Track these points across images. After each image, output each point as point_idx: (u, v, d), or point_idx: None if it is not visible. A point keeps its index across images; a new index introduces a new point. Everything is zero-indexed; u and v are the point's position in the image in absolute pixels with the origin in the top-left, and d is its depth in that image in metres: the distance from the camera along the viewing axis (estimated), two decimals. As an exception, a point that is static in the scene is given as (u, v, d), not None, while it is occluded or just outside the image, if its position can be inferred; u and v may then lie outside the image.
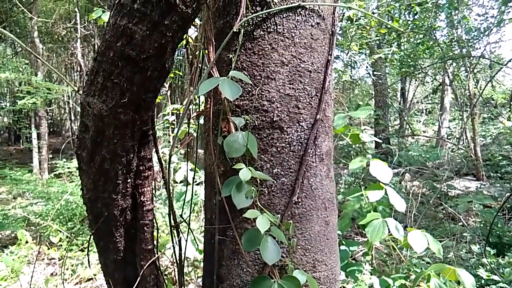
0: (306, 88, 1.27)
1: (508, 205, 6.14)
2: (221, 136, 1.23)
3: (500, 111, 14.36)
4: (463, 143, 8.96)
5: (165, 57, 1.02)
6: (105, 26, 1.00)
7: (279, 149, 1.24)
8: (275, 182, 1.23)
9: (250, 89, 1.24)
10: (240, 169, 1.15)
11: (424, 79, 12.47)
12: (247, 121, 1.22)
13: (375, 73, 9.73)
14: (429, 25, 8.50)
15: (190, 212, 1.54)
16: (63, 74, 14.33)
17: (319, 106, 1.29)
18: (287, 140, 1.25)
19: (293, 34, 1.25)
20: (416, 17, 9.47)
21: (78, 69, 12.20)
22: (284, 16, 1.24)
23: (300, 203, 1.26)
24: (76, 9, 8.76)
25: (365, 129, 2.33)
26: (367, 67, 10.96)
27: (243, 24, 1.23)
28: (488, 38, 7.56)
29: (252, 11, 1.24)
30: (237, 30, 1.23)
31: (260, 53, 1.24)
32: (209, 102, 1.30)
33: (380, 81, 9.98)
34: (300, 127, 1.26)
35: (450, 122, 15.16)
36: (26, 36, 12.48)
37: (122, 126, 1.06)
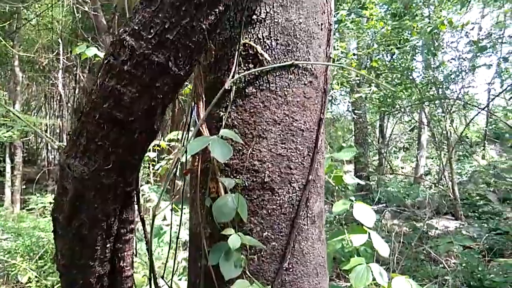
0: (298, 148, 1.23)
1: (487, 246, 6.18)
2: (209, 197, 1.17)
3: (475, 149, 14.79)
4: (442, 182, 9.10)
5: (154, 118, 0.97)
6: (92, 86, 0.94)
7: (269, 211, 1.18)
8: (265, 247, 1.17)
9: (240, 148, 1.19)
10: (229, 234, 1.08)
11: (402, 118, 12.78)
12: (237, 183, 1.17)
13: (355, 111, 9.92)
14: (407, 66, 8.81)
15: (173, 275, 1.45)
16: (43, 103, 14.08)
17: (311, 166, 1.25)
18: (278, 202, 1.19)
19: (286, 93, 1.22)
20: (394, 57, 9.83)
21: (58, 99, 12.00)
22: (277, 74, 1.22)
23: (291, 269, 1.19)
24: (59, 40, 8.69)
25: (348, 171, 2.32)
26: (348, 105, 11.19)
27: (235, 81, 1.20)
28: (463, 80, 7.85)
29: (245, 68, 1.21)
30: (229, 87, 1.20)
31: (252, 110, 1.21)
32: (197, 160, 1.25)
33: (360, 119, 10.17)
34: (292, 188, 1.21)
35: (428, 159, 15.47)
36: (6, 63, 12.29)
37: (104, 190, 0.99)
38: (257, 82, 1.21)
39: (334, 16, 7.80)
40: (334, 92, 9.35)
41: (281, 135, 1.21)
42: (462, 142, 13.16)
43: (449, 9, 7.83)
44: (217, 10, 0.92)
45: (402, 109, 9.67)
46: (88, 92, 0.91)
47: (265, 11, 1.22)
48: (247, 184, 1.18)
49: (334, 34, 9.16)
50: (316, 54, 1.29)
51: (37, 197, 6.31)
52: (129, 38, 0.88)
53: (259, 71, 1.20)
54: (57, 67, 9.81)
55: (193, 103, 1.27)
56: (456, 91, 8.59)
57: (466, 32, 6.61)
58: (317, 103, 1.29)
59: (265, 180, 1.18)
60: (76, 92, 12.45)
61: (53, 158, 14.80)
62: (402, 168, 17.76)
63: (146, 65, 0.89)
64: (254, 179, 1.18)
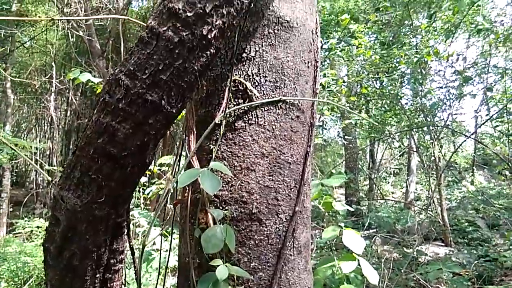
0: (285, 180, 1.28)
1: (477, 273, 6.19)
2: (199, 228, 1.20)
3: (464, 175, 14.97)
4: (431, 207, 9.17)
5: (146, 153, 1.01)
6: (86, 122, 0.99)
7: (257, 242, 1.22)
8: (252, 277, 1.19)
9: (230, 179, 1.24)
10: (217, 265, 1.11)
11: (392, 144, 12.95)
12: (226, 215, 1.20)
13: (346, 137, 10.06)
14: (396, 93, 9.01)
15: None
16: (33, 125, 14.03)
17: (297, 198, 1.29)
18: (265, 232, 1.23)
19: (274, 127, 1.28)
20: (383, 84, 10.05)
21: (49, 121, 11.97)
22: (266, 109, 1.27)
23: (278, 300, 1.21)
24: (53, 63, 8.76)
25: (338, 199, 2.38)
26: (338, 130, 11.34)
27: (225, 115, 1.25)
28: (451, 108, 8.04)
29: (235, 103, 1.27)
30: (219, 121, 1.25)
31: (241, 144, 1.25)
32: (187, 191, 1.29)
33: (350, 144, 10.30)
34: (279, 219, 1.25)
35: (417, 184, 15.59)
36: (-2, 85, 12.29)
37: (96, 222, 1.01)
38: (246, 116, 1.26)
39: (325, 44, 7.98)
40: (325, 118, 9.48)
41: (269, 168, 1.25)
42: (451, 168, 13.32)
43: (435, 39, 8.09)
44: (209, 52, 0.98)
45: (392, 136, 9.81)
46: (83, 128, 0.96)
47: (254, 50, 1.28)
48: (235, 215, 1.22)
49: (325, 61, 9.39)
50: (303, 90, 1.35)
51: (25, 221, 6.22)
52: (124, 77, 0.94)
53: (248, 106, 1.26)
54: (50, 90, 9.85)
55: (184, 136, 1.31)
56: (444, 118, 8.79)
57: (452, 62, 6.82)
58: (304, 136, 1.35)
59: (253, 211, 1.22)
60: (68, 114, 12.44)
61: (41, 180, 14.62)
62: (392, 193, 17.85)
63: (140, 103, 0.93)
64: (242, 210, 1.22)
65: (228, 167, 1.23)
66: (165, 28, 0.93)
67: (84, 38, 8.31)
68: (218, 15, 0.95)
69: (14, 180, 16.27)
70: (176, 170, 1.42)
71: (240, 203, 1.22)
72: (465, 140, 7.69)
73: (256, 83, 1.28)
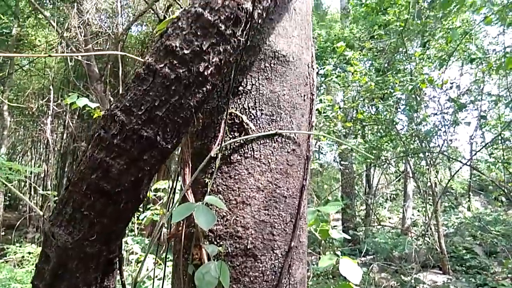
0: (281, 214, 1.26)
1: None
2: (192, 265, 1.18)
3: (460, 200, 14.93)
4: (428, 233, 9.09)
5: (140, 189, 1.00)
6: (80, 157, 0.98)
7: (252, 278, 1.19)
8: (247, 316, 1.16)
9: (225, 214, 1.22)
10: (211, 303, 1.08)
11: (388, 169, 12.96)
12: (220, 251, 1.18)
13: (342, 162, 10.07)
14: (391, 119, 9.08)
15: None
16: (29, 147, 13.97)
17: (293, 233, 1.27)
18: (260, 269, 1.20)
19: (270, 160, 1.27)
20: (378, 109, 10.14)
21: (45, 144, 11.93)
22: (262, 142, 1.27)
23: None
24: (50, 87, 8.81)
25: (334, 224, 2.35)
26: (334, 156, 11.37)
27: (221, 148, 1.25)
28: (446, 134, 8.09)
29: (231, 136, 1.27)
30: (215, 155, 1.24)
31: (236, 177, 1.24)
32: (181, 224, 1.26)
33: (347, 170, 10.30)
34: (274, 255, 1.23)
35: (414, 210, 15.51)
36: (-6, 107, 12.28)
37: (87, 259, 0.99)
38: (242, 149, 1.26)
39: (321, 70, 8.07)
40: (321, 143, 9.51)
41: (265, 202, 1.24)
42: (447, 194, 13.30)
43: (429, 67, 8.22)
44: (205, 89, 0.98)
45: (387, 161, 9.83)
46: (76, 163, 0.95)
47: (251, 83, 1.29)
48: (230, 251, 1.19)
49: (321, 86, 9.50)
50: (299, 123, 1.35)
51: (16, 246, 6.10)
52: (120, 113, 0.93)
53: (244, 140, 1.26)
54: (47, 113, 9.86)
55: (179, 168, 1.30)
56: (439, 144, 8.85)
57: (446, 89, 6.92)
58: (300, 170, 1.34)
59: (248, 247, 1.20)
60: (64, 137, 12.41)
61: (35, 203, 14.43)
62: (389, 218, 17.72)
63: (135, 139, 0.93)
64: (237, 246, 1.20)
65: (223, 201, 1.22)
66: (162, 65, 0.93)
67: (83, 62, 8.38)
68: (215, 53, 0.96)
69: (7, 203, 16.06)
70: (171, 204, 1.40)
71: (235, 238, 1.20)
72: (461, 167, 7.71)
73: (252, 116, 1.28)
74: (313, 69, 1.48)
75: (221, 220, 1.22)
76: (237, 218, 1.21)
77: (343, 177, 10.67)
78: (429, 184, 8.72)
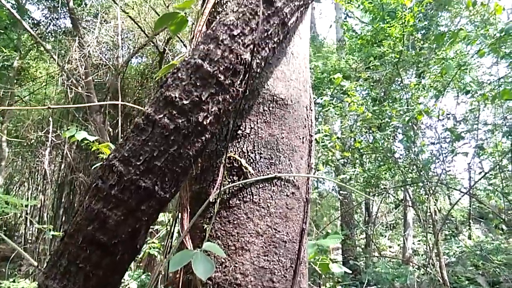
0: (281, 260, 1.24)
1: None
2: (190, 315, 1.14)
3: (461, 228, 14.76)
4: (429, 265, 8.94)
5: (138, 239, 0.98)
6: (76, 208, 0.96)
7: (252, 328, 1.15)
8: None
9: (223, 260, 1.19)
10: None
11: (387, 198, 12.90)
12: (219, 300, 1.15)
13: (340, 191, 10.02)
14: (389, 148, 9.11)
15: None
16: (26, 178, 13.89)
17: (294, 279, 1.24)
18: (260, 318, 1.17)
19: (269, 204, 1.26)
20: (376, 138, 10.18)
21: (43, 174, 11.86)
22: (261, 186, 1.26)
23: None
24: (50, 118, 8.86)
25: (335, 258, 2.31)
26: (333, 185, 11.33)
27: (219, 193, 1.24)
28: (444, 163, 8.09)
29: (229, 180, 1.26)
30: (213, 200, 1.23)
31: (235, 222, 1.23)
32: (178, 271, 1.24)
33: (345, 200, 10.24)
34: (275, 303, 1.19)
35: (415, 238, 15.31)
36: (-7, 138, 12.29)
37: (81, 313, 0.96)
38: (241, 194, 1.25)
39: (318, 99, 8.14)
40: (319, 172, 9.48)
41: (264, 247, 1.22)
42: (448, 222, 13.16)
43: (425, 96, 8.33)
44: (204, 138, 0.98)
45: (386, 191, 9.79)
46: (73, 215, 0.94)
47: (249, 127, 1.30)
48: (229, 299, 1.16)
49: (319, 117, 9.58)
50: (298, 166, 1.35)
51: (9, 281, 5.95)
52: (118, 164, 0.93)
53: (243, 184, 1.25)
54: (45, 144, 9.87)
55: (177, 213, 1.29)
56: (437, 172, 8.84)
57: (442, 119, 6.98)
58: (299, 213, 1.33)
59: (248, 295, 1.17)
60: (62, 167, 12.37)
61: (30, 234, 14.21)
62: (390, 247, 17.47)
63: (133, 189, 0.92)
64: (237, 294, 1.17)
65: (222, 246, 1.20)
66: (161, 116, 0.94)
67: (83, 93, 8.46)
68: (214, 102, 0.97)
69: (2, 234, 15.75)
70: (168, 249, 1.38)
71: (234, 285, 1.17)
72: (460, 198, 7.68)
73: (251, 160, 1.28)
74: (311, 110, 1.49)
75: (220, 267, 1.19)
76: (236, 265, 1.19)
77: (342, 207, 10.59)
78: (429, 214, 8.65)
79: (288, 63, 1.40)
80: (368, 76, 9.54)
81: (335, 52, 12.49)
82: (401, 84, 9.11)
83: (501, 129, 7.70)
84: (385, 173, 9.56)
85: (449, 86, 6.91)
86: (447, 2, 9.80)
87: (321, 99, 8.94)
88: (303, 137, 1.39)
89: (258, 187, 1.26)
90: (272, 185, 1.28)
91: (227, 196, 1.25)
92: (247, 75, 1.00)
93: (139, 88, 11.90)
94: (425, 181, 7.85)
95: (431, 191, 8.40)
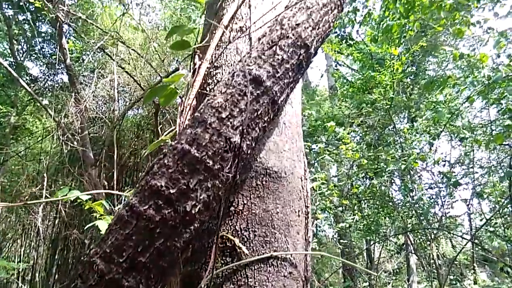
0: None
1: None
2: None
3: (465, 273, 14.32)
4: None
5: None
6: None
7: None
8: None
9: None
10: None
11: (388, 244, 12.62)
12: None
13: (341, 241, 9.79)
14: (387, 193, 9.02)
15: None
16: (19, 234, 13.51)
17: None
18: None
19: (265, 287, 1.17)
20: (373, 182, 10.10)
21: (36, 231, 11.55)
22: (256, 267, 1.18)
23: None
24: (45, 174, 8.76)
25: None
26: (333, 233, 11.10)
27: (212, 277, 1.15)
28: (443, 207, 7.98)
29: (222, 262, 1.18)
30: (205, 286, 1.14)
31: (229, 309, 1.14)
32: None
33: (346, 249, 9.98)
34: None
35: (419, 284, 14.78)
36: (-14, 194, 12.09)
37: None
38: (235, 277, 1.17)
39: (313, 145, 8.14)
40: (318, 221, 9.31)
41: (261, 337, 1.12)
42: (452, 268, 12.78)
43: (419, 141, 8.36)
44: (192, 227, 0.92)
45: (386, 238, 9.60)
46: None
47: (242, 203, 1.24)
48: None
49: (314, 164, 9.55)
50: (295, 241, 1.28)
51: None
52: (99, 261, 0.86)
53: (237, 265, 1.17)
54: (39, 199, 9.69)
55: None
56: (437, 216, 8.68)
57: (439, 164, 6.97)
58: (298, 294, 1.24)
59: None
60: (56, 223, 12.09)
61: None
62: (395, 295, 16.84)
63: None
64: None
65: (216, 338, 1.10)
66: (146, 207, 0.88)
67: (79, 148, 8.44)
68: (203, 189, 0.92)
69: (-9, 296, 15.13)
70: None
71: None
72: (465, 245, 7.52)
73: (245, 239, 1.21)
74: (306, 180, 1.45)
75: None
76: None
77: (343, 256, 10.28)
78: (432, 260, 8.41)
79: (280, 133, 1.37)
80: (362, 122, 9.64)
81: (327, 99, 12.72)
82: (394, 129, 9.20)
83: (497, 172, 7.69)
84: (385, 218, 9.40)
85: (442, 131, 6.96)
86: (434, 49, 10.14)
87: (316, 145, 8.96)
88: (298, 210, 1.33)
89: (253, 268, 1.18)
90: (268, 265, 1.20)
91: (220, 280, 1.17)
92: (237, 158, 0.96)
93: (135, 139, 11.93)
94: (426, 227, 7.71)
95: (432, 237, 8.22)
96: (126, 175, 12.08)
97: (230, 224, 1.22)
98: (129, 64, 9.89)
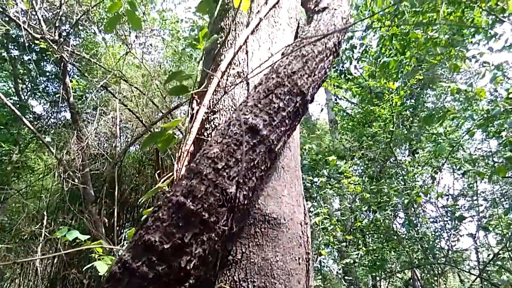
0: None
1: None
2: None
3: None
4: None
5: None
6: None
7: None
8: None
9: None
10: None
11: (395, 280, 12.28)
12: None
13: (346, 277, 9.54)
14: (390, 226, 8.85)
15: None
16: (18, 274, 13.23)
17: None
18: None
19: None
20: (376, 216, 9.94)
21: (35, 270, 11.32)
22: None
23: None
24: (44, 212, 8.69)
25: None
26: (337, 271, 10.84)
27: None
28: (449, 241, 7.82)
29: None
30: None
31: None
32: None
33: (352, 286, 9.70)
34: None
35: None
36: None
37: None
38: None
39: (316, 181, 8.10)
40: (322, 257, 9.11)
41: None
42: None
43: (421, 173, 8.31)
44: (187, 284, 0.89)
45: (392, 273, 9.35)
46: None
47: (241, 251, 1.21)
48: None
49: (316, 198, 9.46)
50: (295, 291, 1.24)
51: None
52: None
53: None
54: (38, 239, 9.56)
55: None
56: (444, 249, 8.48)
57: (442, 197, 6.89)
58: None
59: None
60: (55, 261, 11.87)
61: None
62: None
63: None
64: None
65: None
66: (139, 263, 0.85)
67: (79, 186, 8.42)
68: (198, 243, 0.89)
69: None
70: None
71: None
72: (473, 281, 7.31)
73: (244, 290, 1.16)
74: (307, 225, 1.42)
75: None
76: None
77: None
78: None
79: (279, 178, 1.36)
80: (363, 154, 9.62)
81: (328, 132, 12.77)
82: (396, 161, 9.17)
83: (501, 204, 7.59)
84: (390, 253, 9.19)
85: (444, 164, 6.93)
86: (431, 81, 10.28)
87: (318, 179, 8.92)
88: (299, 258, 1.30)
89: (252, 322, 1.13)
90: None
91: (218, 335, 1.12)
92: (234, 210, 0.94)
93: (137, 175, 11.91)
94: (433, 262, 7.52)
95: (439, 272, 8.01)
96: (127, 211, 11.98)
97: (228, 274, 1.19)
98: (131, 101, 10.03)
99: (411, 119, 10.50)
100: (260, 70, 1.46)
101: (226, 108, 1.44)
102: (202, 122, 1.45)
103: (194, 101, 1.52)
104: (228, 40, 1.60)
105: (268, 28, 1.62)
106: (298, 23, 1.81)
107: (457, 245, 9.49)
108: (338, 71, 9.47)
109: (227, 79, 1.51)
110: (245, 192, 0.99)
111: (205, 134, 1.43)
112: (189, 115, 1.50)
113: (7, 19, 7.94)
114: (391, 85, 6.92)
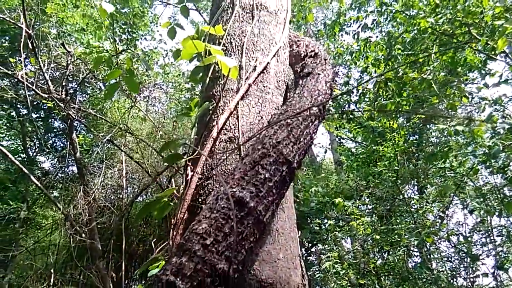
0: None
1: None
2: None
3: None
4: None
5: None
6: None
7: None
8: None
9: None
10: None
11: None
12: None
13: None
14: (404, 266, 8.59)
15: None
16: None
17: None
18: None
19: None
20: (389, 256, 9.66)
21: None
22: None
23: None
24: (51, 270, 8.58)
25: None
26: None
27: None
28: (467, 280, 7.54)
29: None
30: None
31: None
32: None
33: (370, 333, 9.27)
34: None
35: None
36: None
37: None
38: None
39: (325, 223, 7.99)
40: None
41: None
42: None
43: (430, 211, 8.18)
44: None
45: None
46: None
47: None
48: None
49: (327, 239, 9.28)
50: None
51: None
52: None
53: None
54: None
55: None
56: (463, 285, 8.16)
57: (453, 235, 6.74)
58: None
59: None
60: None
61: None
62: None
63: None
64: None
65: None
66: None
67: (87, 241, 8.38)
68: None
69: None
70: None
71: None
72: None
73: None
74: (304, 286, 1.41)
75: None
76: None
77: None
78: None
79: (273, 241, 1.37)
80: (370, 193, 9.52)
81: (334, 172, 12.73)
82: (404, 199, 9.05)
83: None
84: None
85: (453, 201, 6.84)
86: (431, 118, 10.36)
87: (327, 222, 8.81)
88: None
89: None
90: None
91: None
92: (224, 284, 0.96)
93: (144, 226, 11.85)
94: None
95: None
96: (134, 263, 11.81)
97: None
98: (137, 152, 10.18)
99: (416, 154, 10.48)
100: (252, 135, 1.52)
101: (219, 174, 1.48)
102: (196, 188, 1.49)
103: (189, 168, 1.57)
104: (219, 107, 1.68)
105: (257, 92, 1.70)
106: (287, 85, 1.89)
107: (477, 282, 9.13)
108: (340, 111, 9.61)
109: (219, 145, 1.57)
110: (234, 266, 1.01)
111: (200, 200, 1.46)
112: (184, 182, 1.55)
113: (15, 80, 8.28)
114: (392, 125, 6.99)
